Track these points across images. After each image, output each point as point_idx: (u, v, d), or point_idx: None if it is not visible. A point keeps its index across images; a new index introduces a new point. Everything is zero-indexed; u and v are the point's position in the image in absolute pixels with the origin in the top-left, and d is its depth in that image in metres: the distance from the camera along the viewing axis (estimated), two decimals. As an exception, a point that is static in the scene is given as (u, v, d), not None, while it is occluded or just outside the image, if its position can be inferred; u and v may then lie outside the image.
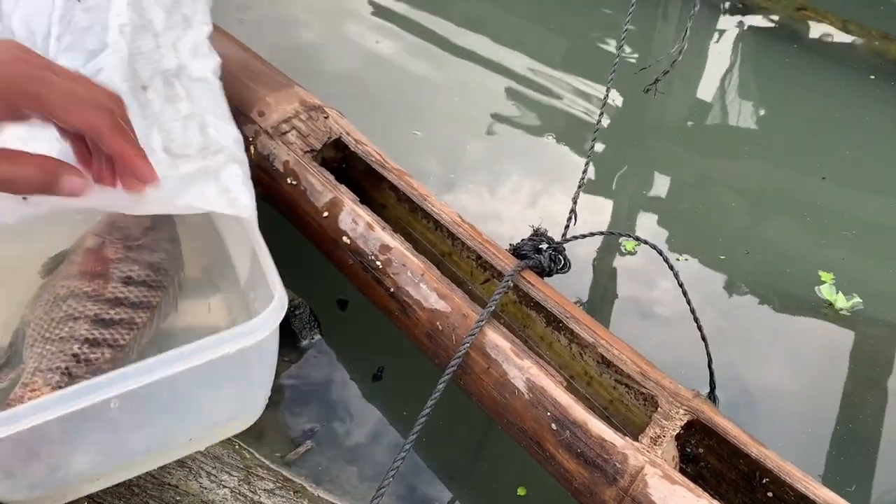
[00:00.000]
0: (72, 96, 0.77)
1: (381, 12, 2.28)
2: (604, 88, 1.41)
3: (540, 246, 1.21)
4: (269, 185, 1.32)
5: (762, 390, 1.36)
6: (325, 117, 1.34)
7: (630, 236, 1.25)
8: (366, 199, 1.26)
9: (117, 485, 1.09)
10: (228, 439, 1.19)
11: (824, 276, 1.54)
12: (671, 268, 1.16)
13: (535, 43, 2.19)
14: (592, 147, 1.33)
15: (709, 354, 1.17)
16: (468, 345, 1.05)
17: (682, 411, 0.98)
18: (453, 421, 1.24)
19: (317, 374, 1.33)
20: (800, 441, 1.29)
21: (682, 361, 1.35)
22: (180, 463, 1.13)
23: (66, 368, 1.00)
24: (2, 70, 0.73)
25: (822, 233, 1.67)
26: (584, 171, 1.32)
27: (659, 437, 0.96)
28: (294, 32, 2.17)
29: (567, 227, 1.31)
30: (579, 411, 0.98)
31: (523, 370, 1.03)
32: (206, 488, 1.11)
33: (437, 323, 1.12)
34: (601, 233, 1.31)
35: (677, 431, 0.97)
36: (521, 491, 1.20)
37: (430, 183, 1.66)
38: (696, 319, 1.15)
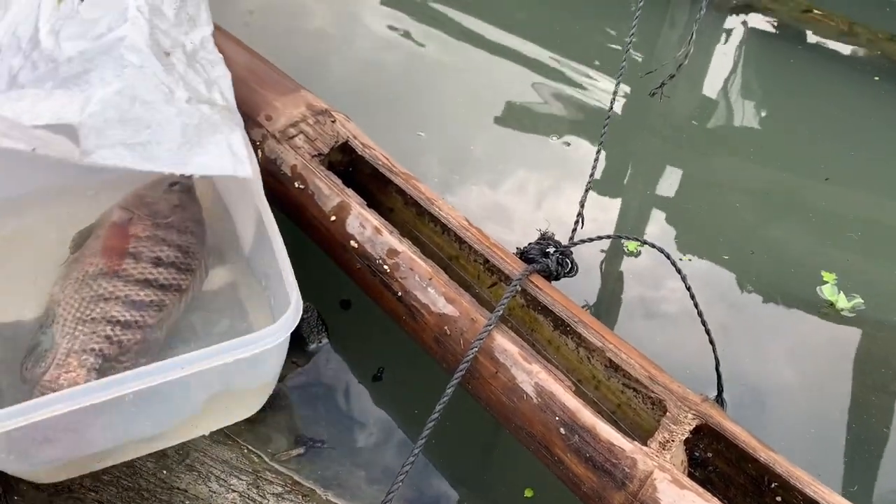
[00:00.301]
0: None
1: (387, 13, 2.28)
2: (608, 88, 1.41)
3: (547, 250, 1.21)
4: (276, 188, 1.32)
5: (764, 388, 1.36)
6: (333, 121, 1.35)
7: (637, 240, 1.25)
8: (373, 203, 1.27)
9: (127, 489, 1.10)
10: (237, 442, 1.20)
11: (827, 276, 1.54)
12: (679, 271, 1.17)
13: (540, 45, 2.19)
14: (599, 151, 1.33)
15: (716, 358, 1.17)
16: (477, 349, 1.06)
17: (690, 416, 0.98)
18: (460, 423, 1.25)
19: (324, 377, 1.33)
20: (803, 439, 1.29)
21: (687, 362, 1.36)
22: (189, 467, 1.14)
23: (100, 350, 1.02)
24: None
25: (828, 234, 1.67)
26: (591, 176, 1.33)
27: (668, 441, 0.96)
28: (299, 33, 2.17)
29: (574, 230, 1.31)
30: (588, 416, 0.98)
31: (532, 374, 1.03)
32: (214, 492, 1.12)
33: (445, 327, 1.12)
34: (608, 236, 1.32)
35: (686, 436, 0.97)
36: (528, 493, 1.20)
37: (434, 184, 1.67)
38: (703, 323, 1.15)
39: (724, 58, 2.19)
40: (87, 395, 0.89)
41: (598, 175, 1.62)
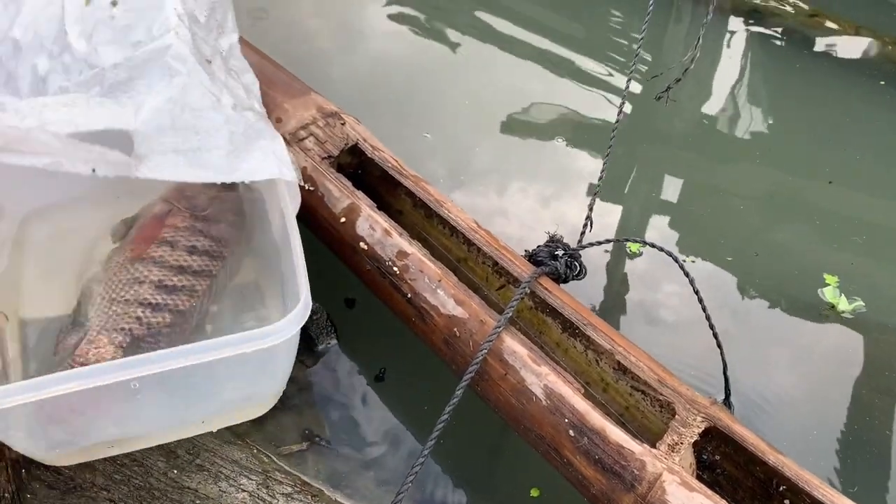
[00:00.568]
0: None
1: (393, 13, 2.29)
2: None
3: (556, 252, 1.21)
4: (286, 190, 1.33)
5: (764, 390, 1.37)
6: (342, 124, 1.35)
7: (646, 243, 1.25)
8: (382, 205, 1.27)
9: (139, 488, 1.11)
10: (246, 442, 1.21)
11: (829, 278, 1.55)
12: (687, 274, 1.17)
13: (546, 46, 2.20)
14: (608, 156, 1.33)
15: (724, 361, 1.18)
16: (486, 351, 1.06)
17: (699, 418, 0.99)
18: (466, 424, 1.25)
19: (332, 377, 1.34)
20: (804, 441, 1.30)
21: (691, 364, 1.37)
22: (199, 467, 1.15)
23: (129, 329, 1.07)
24: None
25: (832, 237, 1.68)
26: (600, 179, 1.33)
27: (677, 444, 0.97)
28: (307, 34, 2.18)
29: (583, 233, 1.32)
30: (597, 418, 0.99)
31: (541, 377, 1.04)
32: (224, 492, 1.13)
33: (455, 329, 1.13)
34: (617, 240, 1.32)
35: (695, 439, 0.97)
36: (534, 492, 1.21)
37: (439, 185, 1.67)
38: (711, 326, 1.16)
39: (729, 61, 2.19)
40: (92, 376, 0.91)
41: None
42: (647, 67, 2.14)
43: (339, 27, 2.24)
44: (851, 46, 2.20)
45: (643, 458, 0.95)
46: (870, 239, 1.67)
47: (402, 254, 1.19)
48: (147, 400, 0.99)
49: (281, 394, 1.21)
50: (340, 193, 1.27)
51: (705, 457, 1.03)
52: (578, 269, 1.22)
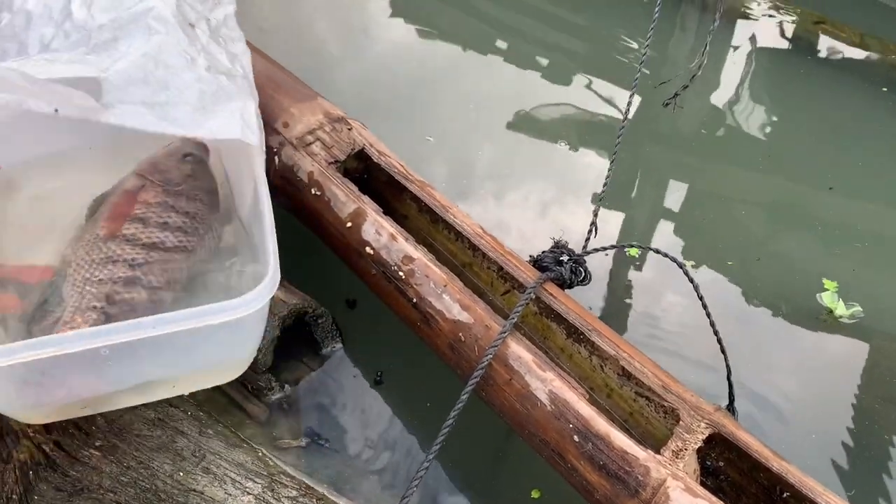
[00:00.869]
0: None
1: (397, 20, 2.30)
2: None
3: (561, 258, 1.22)
4: (292, 195, 1.33)
5: (764, 394, 1.37)
6: (349, 129, 1.36)
7: (650, 249, 1.26)
8: (388, 210, 1.28)
9: (145, 490, 1.11)
10: (251, 446, 1.21)
11: (828, 284, 1.55)
12: (691, 281, 1.18)
13: (551, 50, 2.21)
14: (613, 162, 1.34)
15: (728, 367, 1.18)
16: (491, 356, 1.07)
17: (703, 425, 0.99)
18: (469, 427, 1.25)
19: (336, 381, 1.35)
20: (803, 447, 1.30)
21: (693, 370, 1.37)
22: (205, 469, 1.15)
23: (103, 308, 1.07)
24: None
25: (834, 244, 1.68)
26: (605, 186, 1.34)
27: (681, 450, 0.97)
28: (311, 37, 2.19)
29: (588, 239, 1.33)
30: (602, 424, 0.99)
31: (546, 382, 1.04)
32: (230, 494, 1.13)
33: (460, 334, 1.14)
34: (622, 245, 1.33)
35: (699, 445, 0.98)
36: (534, 494, 1.21)
37: (442, 189, 1.68)
38: (715, 333, 1.16)
39: (734, 67, 2.20)
40: (60, 343, 0.94)
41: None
42: (649, 72, 2.14)
43: (345, 33, 2.25)
44: (855, 53, 2.21)
45: (647, 463, 0.95)
46: (872, 246, 1.67)
47: (408, 258, 1.20)
48: (118, 366, 1.01)
49: (251, 360, 1.20)
50: (347, 198, 1.27)
51: (709, 463, 1.04)
52: (583, 274, 1.23)
